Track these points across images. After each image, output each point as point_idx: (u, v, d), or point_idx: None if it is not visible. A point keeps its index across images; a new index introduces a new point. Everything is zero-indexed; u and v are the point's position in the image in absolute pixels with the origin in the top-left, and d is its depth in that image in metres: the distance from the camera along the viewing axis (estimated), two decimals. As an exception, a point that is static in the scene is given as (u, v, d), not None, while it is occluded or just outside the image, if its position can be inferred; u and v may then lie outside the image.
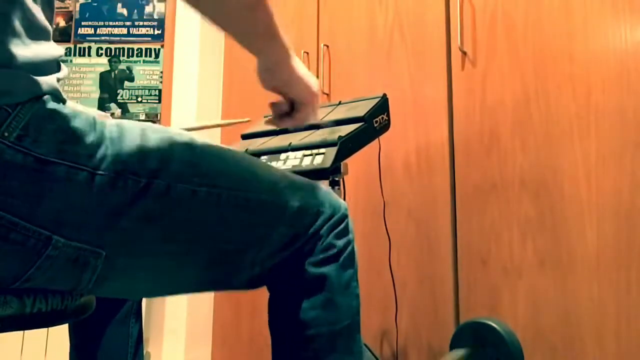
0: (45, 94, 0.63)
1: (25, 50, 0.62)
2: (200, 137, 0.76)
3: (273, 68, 0.81)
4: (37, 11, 0.65)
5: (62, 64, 0.71)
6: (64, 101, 0.68)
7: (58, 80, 0.67)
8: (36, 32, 0.65)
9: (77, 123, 0.62)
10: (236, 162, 0.76)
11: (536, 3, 1.59)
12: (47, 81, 0.64)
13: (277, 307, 0.82)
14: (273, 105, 0.88)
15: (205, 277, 0.76)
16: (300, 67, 0.84)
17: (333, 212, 0.83)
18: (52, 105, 0.62)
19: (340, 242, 0.82)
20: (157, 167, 0.66)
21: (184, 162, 0.69)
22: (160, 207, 0.66)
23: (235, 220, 0.73)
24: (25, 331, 2.04)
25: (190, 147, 0.71)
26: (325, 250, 0.80)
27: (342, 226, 0.83)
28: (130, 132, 0.67)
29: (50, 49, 0.67)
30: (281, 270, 0.80)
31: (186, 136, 0.73)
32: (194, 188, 0.68)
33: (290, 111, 0.87)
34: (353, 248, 0.84)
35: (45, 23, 0.67)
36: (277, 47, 0.78)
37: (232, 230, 0.74)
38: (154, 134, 0.69)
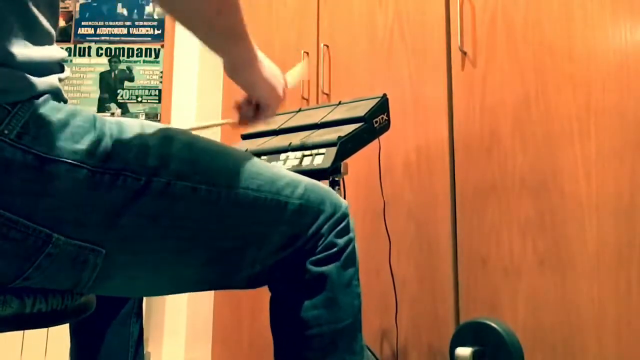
0: (45, 92, 0.63)
1: (25, 50, 0.62)
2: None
3: (237, 70, 0.82)
4: (40, 15, 0.65)
5: (65, 66, 0.71)
6: (64, 100, 0.68)
7: (60, 80, 0.67)
8: (38, 36, 0.65)
9: (77, 121, 0.62)
10: (236, 160, 0.76)
11: (536, 3, 1.59)
12: (47, 81, 0.64)
13: (279, 307, 0.81)
14: (237, 108, 0.92)
15: (205, 275, 0.76)
16: (267, 68, 0.85)
17: (334, 210, 0.82)
18: (52, 103, 0.62)
19: (341, 241, 0.81)
20: (157, 165, 0.66)
21: (183, 159, 0.69)
22: (160, 204, 0.66)
23: (234, 219, 0.73)
24: (25, 331, 2.04)
25: (189, 145, 0.71)
26: (326, 249, 0.80)
27: (343, 225, 0.83)
28: (130, 129, 0.67)
29: (52, 52, 0.67)
30: (282, 269, 0.80)
31: (186, 134, 0.73)
32: (193, 186, 0.68)
33: (256, 109, 0.91)
34: (354, 247, 0.84)
35: (48, 27, 0.67)
36: (241, 49, 0.79)
37: (232, 229, 0.73)
38: (154, 132, 0.69)
